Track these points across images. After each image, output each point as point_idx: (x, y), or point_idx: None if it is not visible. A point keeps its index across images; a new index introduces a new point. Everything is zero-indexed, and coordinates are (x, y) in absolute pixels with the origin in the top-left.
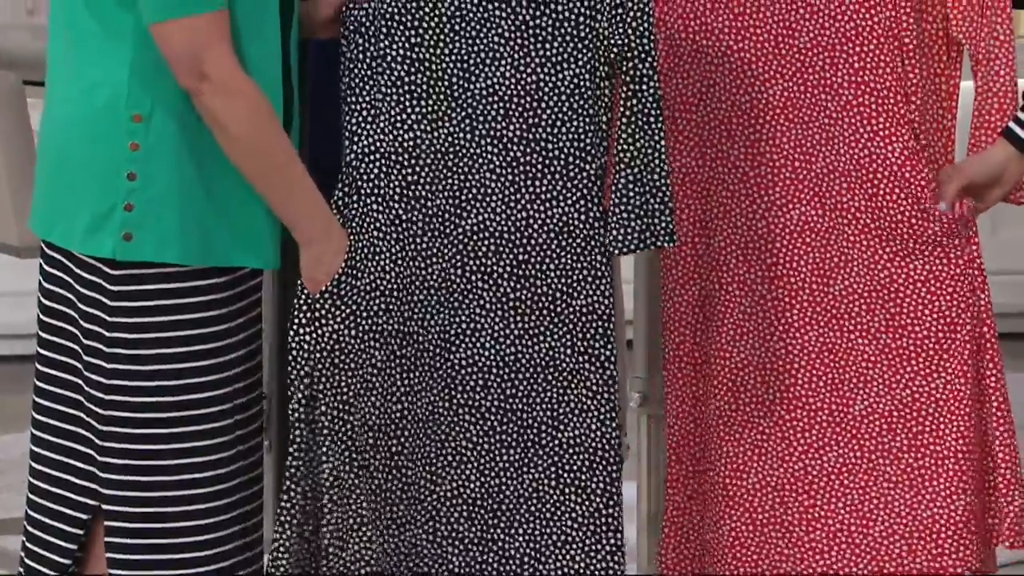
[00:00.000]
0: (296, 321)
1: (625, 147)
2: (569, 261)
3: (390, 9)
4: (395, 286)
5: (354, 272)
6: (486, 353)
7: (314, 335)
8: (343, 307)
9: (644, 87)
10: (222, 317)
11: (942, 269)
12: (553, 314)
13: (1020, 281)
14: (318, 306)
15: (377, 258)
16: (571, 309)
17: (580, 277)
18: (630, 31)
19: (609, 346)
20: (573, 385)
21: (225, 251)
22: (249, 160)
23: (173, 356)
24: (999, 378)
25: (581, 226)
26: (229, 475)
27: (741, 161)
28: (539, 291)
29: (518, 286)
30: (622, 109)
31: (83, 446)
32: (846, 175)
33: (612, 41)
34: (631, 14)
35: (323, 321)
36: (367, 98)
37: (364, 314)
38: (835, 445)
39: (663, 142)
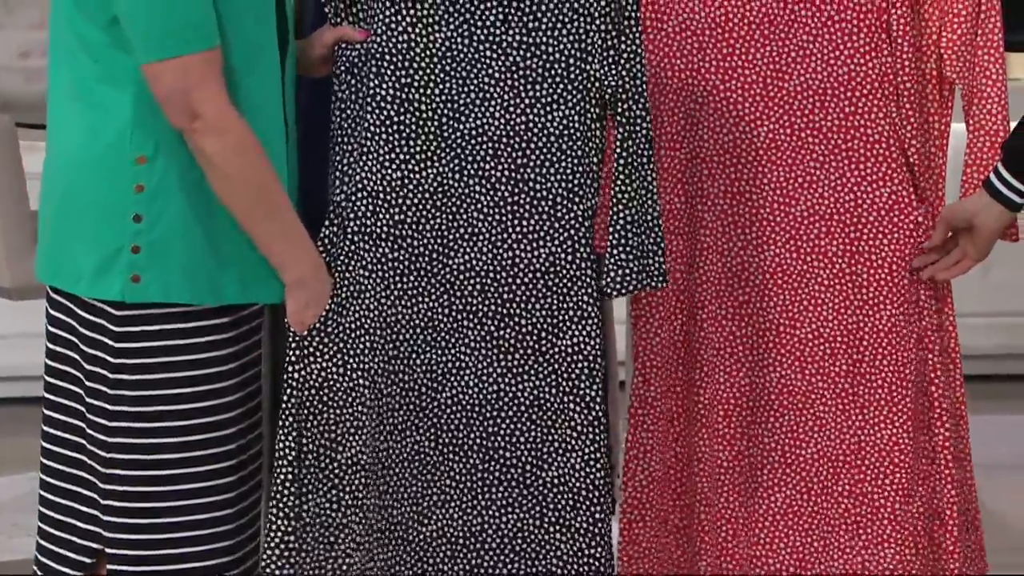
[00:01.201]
0: (286, 359)
1: (622, 188)
2: (555, 301)
3: (381, 49)
4: (380, 324)
5: (340, 310)
6: (470, 392)
7: (302, 372)
8: (331, 344)
9: (637, 128)
10: (225, 357)
11: (904, 324)
12: (538, 354)
13: (1012, 323)
14: (306, 343)
15: (363, 296)
16: (556, 349)
17: (567, 317)
18: (624, 72)
19: (595, 386)
20: (557, 425)
21: (233, 290)
22: (238, 199)
23: (177, 397)
24: (952, 434)
25: (568, 267)
26: (232, 516)
27: (721, 200)
28: (524, 331)
29: (503, 325)
30: (617, 151)
31: (86, 489)
32: (827, 219)
33: (606, 83)
34: (624, 56)
35: (311, 359)
36: (356, 137)
37: (351, 352)
38: (784, 486)
39: (656, 183)
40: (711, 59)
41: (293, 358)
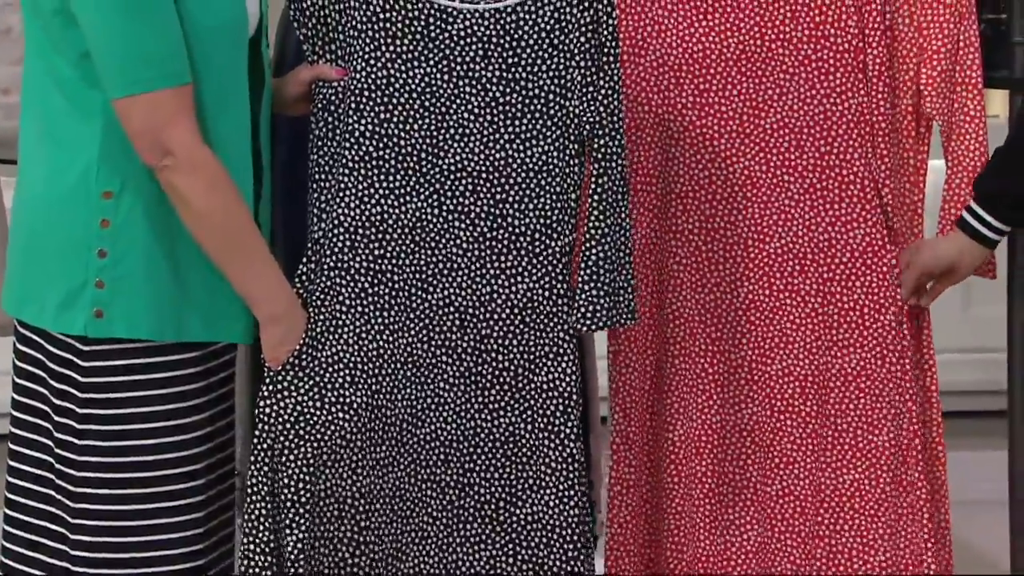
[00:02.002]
0: (259, 393)
1: (595, 225)
2: (532, 337)
3: (360, 85)
4: (360, 359)
5: (316, 344)
6: (448, 427)
7: (276, 407)
8: (305, 379)
9: (613, 164)
10: (194, 392)
11: (874, 368)
12: (514, 390)
13: (993, 359)
14: (280, 378)
15: (340, 331)
16: (532, 385)
17: (543, 353)
18: (601, 108)
19: (571, 423)
20: (532, 461)
21: (197, 327)
22: (211, 236)
23: (145, 432)
24: (928, 484)
25: (545, 303)
26: (201, 552)
27: (694, 236)
28: (501, 367)
29: (480, 361)
30: (593, 186)
31: (55, 524)
32: (800, 258)
33: (584, 119)
34: (602, 92)
35: (285, 393)
36: (335, 174)
37: (329, 386)
38: (754, 524)
39: (629, 220)
40: (687, 95)
41: (265, 393)
